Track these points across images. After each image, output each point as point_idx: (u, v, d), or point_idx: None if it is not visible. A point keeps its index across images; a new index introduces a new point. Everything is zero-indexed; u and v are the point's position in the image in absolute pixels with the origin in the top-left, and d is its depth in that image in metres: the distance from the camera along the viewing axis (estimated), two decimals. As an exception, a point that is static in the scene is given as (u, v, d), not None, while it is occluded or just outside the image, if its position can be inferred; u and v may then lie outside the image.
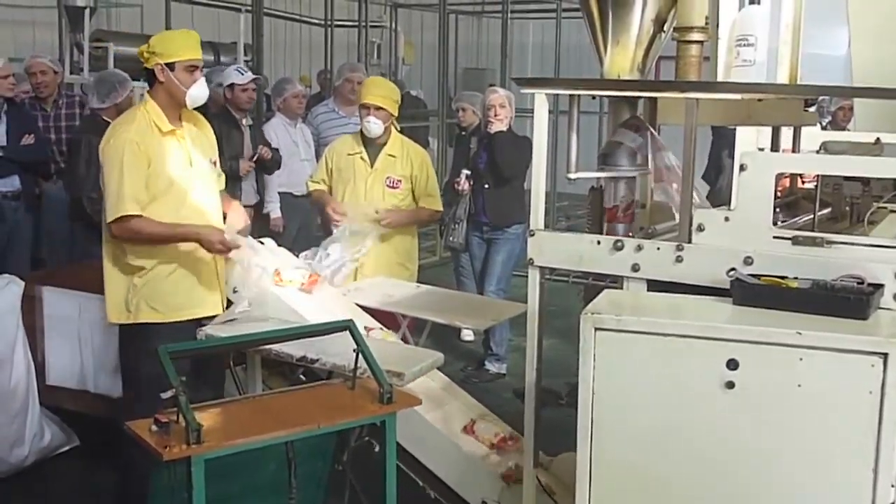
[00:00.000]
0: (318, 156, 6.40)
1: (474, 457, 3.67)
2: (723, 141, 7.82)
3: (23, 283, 4.44)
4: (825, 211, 3.01)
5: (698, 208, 2.70)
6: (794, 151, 3.42)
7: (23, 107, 6.52)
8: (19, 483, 4.38)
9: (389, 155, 5.10)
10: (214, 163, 4.08)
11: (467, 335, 6.91)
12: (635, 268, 2.70)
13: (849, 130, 6.30)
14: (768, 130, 3.46)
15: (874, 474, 2.21)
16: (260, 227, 6.20)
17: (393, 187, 5.09)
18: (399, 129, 5.31)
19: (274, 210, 6.56)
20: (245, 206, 6.19)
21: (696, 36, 2.84)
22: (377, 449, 3.30)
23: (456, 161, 6.65)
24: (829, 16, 5.05)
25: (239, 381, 3.78)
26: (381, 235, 4.98)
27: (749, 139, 3.66)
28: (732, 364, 2.28)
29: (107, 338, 4.28)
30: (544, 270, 2.90)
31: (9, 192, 6.13)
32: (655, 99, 3.03)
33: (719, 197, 5.64)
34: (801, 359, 2.23)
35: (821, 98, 6.41)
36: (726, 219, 2.61)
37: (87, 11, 9.40)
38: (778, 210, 3.00)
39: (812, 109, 3.55)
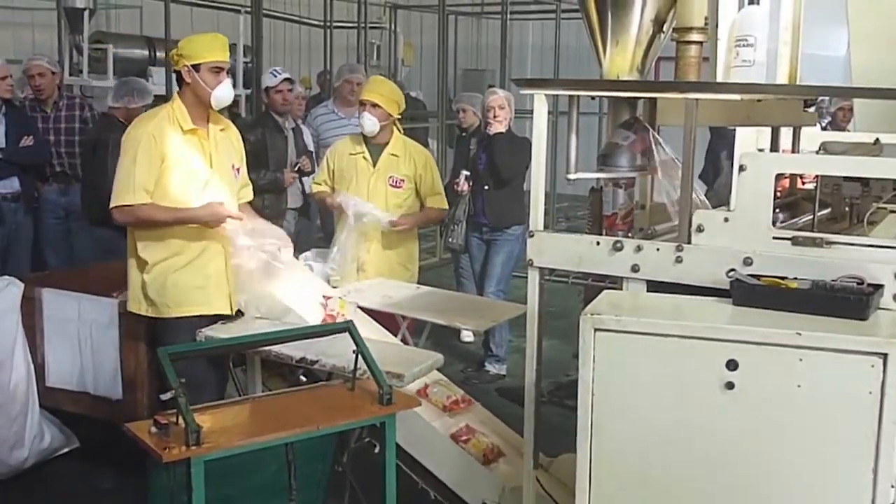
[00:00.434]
0: (317, 157, 6.40)
1: (474, 458, 3.66)
2: (721, 141, 7.82)
3: (22, 285, 4.43)
4: (825, 211, 3.01)
5: (698, 209, 2.70)
6: (793, 152, 3.42)
7: (22, 108, 6.52)
8: (19, 485, 4.38)
9: (392, 154, 5.09)
10: (237, 169, 4.13)
11: (467, 336, 6.91)
12: (635, 268, 2.70)
13: (848, 131, 6.30)
14: (768, 131, 3.46)
15: (874, 475, 2.21)
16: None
17: (396, 187, 5.09)
18: (402, 130, 5.31)
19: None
20: (290, 209, 6.28)
21: (695, 36, 2.84)
22: (377, 450, 3.30)
23: (456, 162, 6.64)
24: (829, 16, 5.05)
25: (239, 382, 3.78)
26: (382, 238, 4.99)
27: (749, 140, 3.65)
28: (732, 364, 2.28)
29: (106, 339, 4.28)
30: (544, 271, 2.90)
31: (8, 194, 6.13)
32: (655, 99, 3.03)
33: (717, 197, 5.64)
34: (800, 359, 2.23)
35: (820, 99, 6.42)
36: (726, 219, 2.60)
37: (86, 13, 9.40)
38: (777, 210, 3.00)
39: (811, 110, 3.55)
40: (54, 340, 4.45)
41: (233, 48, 9.61)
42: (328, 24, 11.45)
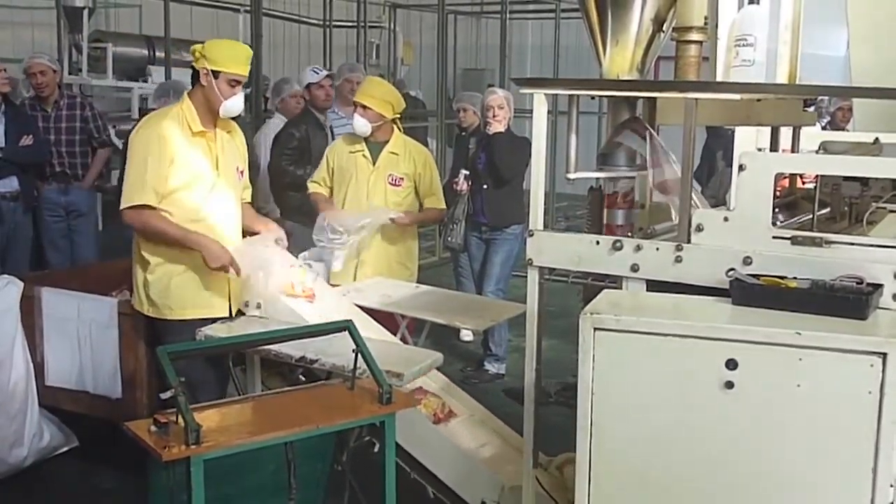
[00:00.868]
0: (316, 155, 6.40)
1: (474, 457, 3.67)
2: (717, 140, 7.83)
3: (22, 284, 4.44)
4: (824, 211, 3.01)
5: (697, 208, 2.70)
6: (793, 151, 3.42)
7: (21, 107, 6.52)
8: (18, 483, 4.38)
9: (392, 153, 5.10)
10: (241, 171, 4.14)
11: (466, 335, 6.91)
12: (634, 268, 2.70)
13: (848, 131, 6.31)
14: (767, 130, 3.46)
15: (873, 474, 2.21)
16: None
17: (395, 185, 5.10)
18: (402, 129, 5.31)
19: (273, 210, 6.55)
20: None
21: (695, 36, 2.84)
22: (376, 449, 3.30)
23: (455, 161, 6.64)
24: (829, 16, 5.06)
25: (238, 381, 3.78)
26: (382, 235, 4.99)
27: (748, 139, 3.66)
28: (732, 364, 2.28)
29: (106, 339, 4.28)
30: (543, 271, 2.90)
31: (7, 193, 6.13)
32: (654, 99, 3.03)
33: (713, 196, 5.65)
34: (800, 359, 2.23)
35: (819, 98, 6.43)
36: (725, 219, 2.60)
37: (85, 12, 9.41)
38: (777, 210, 3.00)
39: (811, 110, 3.55)
40: (54, 339, 4.45)
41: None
42: (327, 23, 11.47)
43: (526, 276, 2.95)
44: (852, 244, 2.51)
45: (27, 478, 4.44)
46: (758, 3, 2.71)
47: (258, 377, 3.80)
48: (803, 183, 3.52)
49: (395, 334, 4.42)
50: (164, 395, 2.75)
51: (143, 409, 4.09)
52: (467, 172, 6.15)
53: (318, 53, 11.70)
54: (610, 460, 2.42)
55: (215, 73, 3.87)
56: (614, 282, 2.78)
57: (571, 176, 2.95)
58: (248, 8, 9.31)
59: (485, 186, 6.16)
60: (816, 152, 3.28)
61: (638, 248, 2.70)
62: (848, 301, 2.34)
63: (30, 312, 4.42)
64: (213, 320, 3.91)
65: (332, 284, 4.62)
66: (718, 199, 2.79)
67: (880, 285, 2.40)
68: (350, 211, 4.98)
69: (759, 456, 2.31)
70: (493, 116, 6.03)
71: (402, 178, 5.10)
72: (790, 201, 3.28)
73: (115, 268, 4.63)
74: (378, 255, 5.02)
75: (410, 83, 12.17)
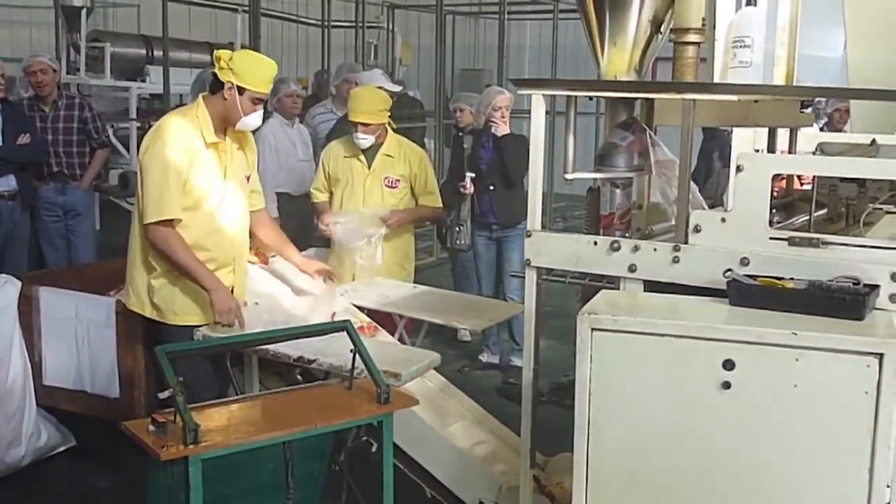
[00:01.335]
0: (316, 156, 6.41)
1: (471, 457, 3.67)
2: (714, 141, 7.84)
3: (20, 283, 4.44)
4: (821, 212, 3.02)
5: (695, 209, 2.70)
6: (790, 153, 3.42)
7: (19, 106, 6.52)
8: (16, 483, 4.38)
9: (386, 155, 5.11)
10: (248, 177, 4.12)
11: (464, 335, 6.92)
12: (632, 268, 2.71)
13: (845, 132, 6.31)
14: (765, 131, 3.47)
15: (870, 474, 2.22)
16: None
17: (391, 187, 5.12)
18: (395, 129, 5.32)
19: (271, 210, 6.55)
20: None
21: (692, 37, 2.85)
22: (374, 449, 3.30)
23: (453, 161, 6.65)
24: (826, 17, 5.06)
25: (236, 381, 3.78)
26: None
27: (746, 140, 3.65)
28: (729, 364, 2.28)
29: (104, 338, 4.28)
30: (541, 271, 2.91)
31: (5, 192, 6.13)
32: (652, 100, 3.03)
33: (711, 197, 5.65)
34: (797, 359, 2.24)
35: (817, 99, 6.43)
36: (723, 220, 2.61)
37: (83, 11, 9.40)
38: (774, 211, 3.01)
39: (808, 111, 3.55)
40: (51, 339, 4.45)
41: (230, 48, 9.66)
42: (326, 23, 11.46)
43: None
44: (849, 245, 2.52)
45: (25, 477, 4.44)
46: (755, 4, 2.71)
47: (256, 377, 3.81)
48: (801, 184, 3.53)
49: (392, 334, 4.43)
50: (163, 395, 2.75)
51: (141, 409, 4.09)
52: (473, 175, 6.13)
53: (317, 54, 11.70)
54: (607, 460, 2.43)
55: (240, 90, 3.82)
56: (612, 282, 2.79)
57: (569, 176, 2.95)
58: (246, 8, 9.30)
59: (491, 187, 6.14)
60: (814, 153, 3.29)
61: (635, 248, 2.71)
62: (845, 302, 2.34)
63: (27, 312, 4.42)
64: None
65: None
66: (716, 200, 2.79)
67: (877, 286, 2.40)
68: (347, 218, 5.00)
69: (755, 456, 2.31)
70: (501, 117, 6.03)
71: (398, 180, 5.12)
72: (787, 202, 3.29)
73: (113, 267, 4.63)
74: (360, 256, 5.04)
75: (408, 83, 12.18)
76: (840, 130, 7.01)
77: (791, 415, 2.27)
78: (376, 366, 3.10)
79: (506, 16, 11.50)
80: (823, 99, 7.29)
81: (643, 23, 2.94)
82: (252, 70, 3.85)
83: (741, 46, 2.66)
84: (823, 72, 6.15)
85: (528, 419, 3.00)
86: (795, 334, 2.24)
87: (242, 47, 9.25)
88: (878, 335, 2.24)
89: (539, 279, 2.92)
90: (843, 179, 2.99)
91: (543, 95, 2.83)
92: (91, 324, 4.33)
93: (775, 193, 3.25)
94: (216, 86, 3.88)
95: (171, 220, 3.78)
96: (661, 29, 3.01)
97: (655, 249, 2.68)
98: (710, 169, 8.03)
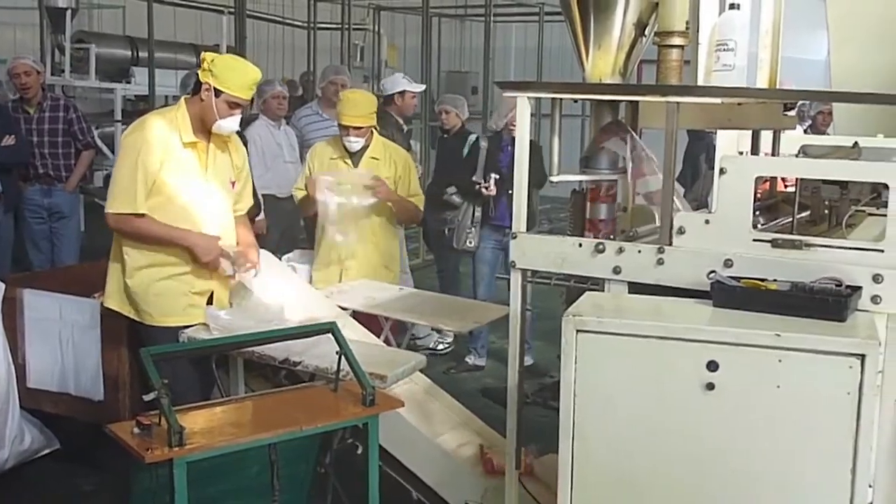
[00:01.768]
0: (302, 158, 6.41)
1: (457, 459, 3.68)
2: (699, 144, 7.88)
3: (3, 285, 4.41)
4: (804, 214, 3.04)
5: (679, 211, 2.72)
6: (773, 155, 3.44)
7: (3, 108, 6.49)
8: (-1, 486, 4.37)
9: (372, 158, 5.12)
10: (233, 182, 4.11)
11: (440, 344, 6.88)
12: (616, 270, 2.72)
13: (829, 134, 6.36)
14: (749, 134, 3.49)
15: (852, 474, 2.23)
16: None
17: (377, 189, 5.12)
18: (380, 130, 5.33)
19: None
20: None
21: (676, 40, 2.87)
22: (360, 451, 3.30)
23: (439, 163, 6.66)
24: (810, 21, 5.10)
25: (221, 383, 3.78)
26: (365, 236, 5.00)
27: (730, 143, 3.67)
28: (713, 365, 2.30)
29: (88, 340, 4.27)
30: (526, 273, 2.92)
31: (-12, 194, 6.12)
32: (637, 102, 3.05)
33: (696, 199, 5.67)
34: (780, 360, 2.25)
35: (801, 102, 6.47)
36: (707, 221, 2.62)
37: (68, 13, 9.37)
38: (758, 213, 3.03)
39: (792, 113, 3.57)
40: (35, 341, 4.43)
41: (216, 50, 9.65)
42: (312, 25, 11.46)
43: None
44: (831, 247, 2.54)
45: (8, 480, 4.42)
46: (738, 8, 2.73)
47: (241, 379, 3.80)
48: (785, 186, 3.55)
49: (378, 336, 4.43)
50: (147, 397, 2.75)
51: (126, 411, 4.07)
52: (497, 176, 6.11)
53: (303, 55, 11.71)
54: (592, 461, 2.44)
55: (217, 91, 3.82)
56: (597, 284, 2.80)
57: (554, 179, 2.97)
58: (232, 9, 9.30)
59: (510, 191, 6.11)
60: (796, 156, 3.30)
61: (620, 250, 2.72)
62: (827, 303, 2.36)
63: (11, 314, 4.40)
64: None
65: (315, 287, 4.62)
66: (702, 203, 2.81)
67: (859, 287, 2.42)
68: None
69: (739, 456, 2.33)
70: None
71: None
72: (771, 204, 3.31)
73: (98, 269, 4.60)
74: (362, 258, 5.04)
75: (394, 85, 12.18)
76: (823, 133, 7.07)
77: (774, 415, 2.28)
78: (361, 368, 3.10)
79: (491, 18, 11.51)
80: (807, 101, 7.34)
81: (627, 26, 2.95)
82: (231, 74, 3.85)
83: (724, 50, 2.67)
84: (807, 75, 6.19)
85: (513, 420, 3.01)
86: (778, 335, 2.26)
87: (228, 49, 9.25)
88: (859, 336, 2.26)
89: (524, 281, 2.93)
90: (825, 182, 3.01)
91: (528, 98, 2.84)
92: (75, 326, 4.31)
93: (759, 195, 3.27)
94: (197, 86, 3.89)
95: (133, 213, 3.80)
96: (646, 32, 3.03)
97: (640, 251, 2.70)
98: (696, 171, 8.08)
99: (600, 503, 2.47)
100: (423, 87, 6.58)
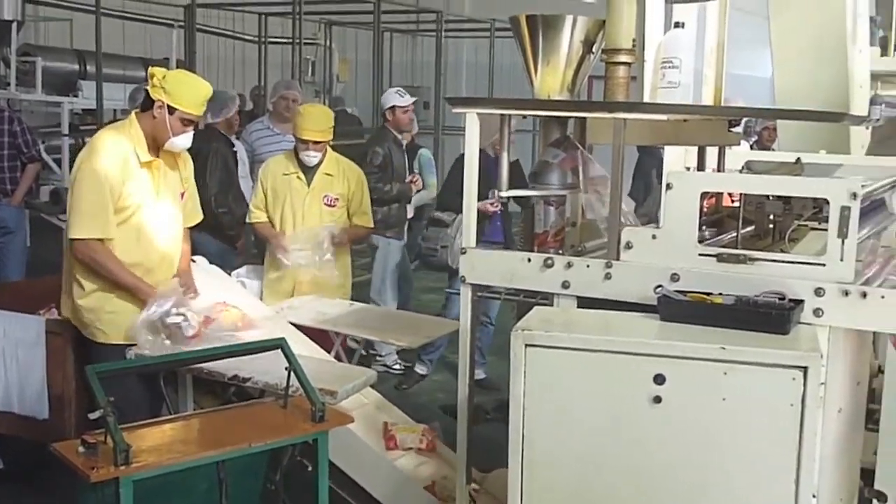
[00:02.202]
0: (252, 173, 6.37)
1: (406, 473, 3.67)
2: (650, 159, 7.97)
3: (-55, 302, 4.33)
4: (749, 229, 3.09)
5: (627, 226, 2.75)
6: (719, 171, 3.50)
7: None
8: (-60, 508, 4.27)
9: (326, 174, 5.12)
10: (182, 194, 4.08)
11: (390, 360, 6.85)
12: (565, 285, 2.74)
13: (774, 150, 6.46)
14: (695, 150, 3.54)
15: (796, 485, 2.26)
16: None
17: (330, 206, 5.13)
18: (332, 146, 5.32)
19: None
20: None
21: (623, 58, 2.90)
22: (310, 468, 3.28)
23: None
24: (756, 38, 5.19)
25: (169, 400, 3.73)
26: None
27: (677, 158, 3.73)
28: (660, 379, 2.32)
29: (33, 358, 4.19)
30: (476, 288, 2.93)
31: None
32: (585, 118, 3.08)
33: (648, 214, 5.73)
34: (725, 373, 2.28)
35: (747, 118, 6.58)
36: (653, 236, 2.65)
37: (14, 25, 9.23)
38: (704, 228, 3.07)
39: (738, 129, 3.64)
40: (-22, 359, 4.34)
41: (165, 63, 9.58)
42: (262, 39, 11.43)
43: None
44: (775, 261, 2.58)
45: (-50, 502, 4.33)
46: (683, 26, 2.77)
47: (190, 396, 3.76)
48: (732, 201, 3.61)
49: (329, 352, 4.42)
50: (93, 415, 2.71)
51: (72, 430, 4.00)
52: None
53: (253, 70, 11.66)
54: (541, 475, 2.44)
55: (171, 109, 3.79)
56: (546, 298, 2.81)
57: (504, 194, 2.99)
58: (181, 23, 9.25)
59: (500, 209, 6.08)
60: (740, 172, 3.36)
61: (569, 265, 2.74)
62: (770, 317, 2.40)
63: (-46, 332, 4.31)
64: None
65: (265, 302, 4.60)
66: (653, 217, 2.85)
67: (801, 301, 2.46)
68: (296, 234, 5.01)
69: (686, 468, 2.35)
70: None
71: (336, 199, 5.13)
72: (717, 219, 3.36)
73: (43, 286, 4.54)
74: (306, 268, 5.03)
75: (346, 100, 12.17)
76: (769, 149, 7.18)
77: (720, 427, 2.31)
78: (311, 384, 3.09)
79: (443, 34, 11.58)
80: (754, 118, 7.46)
81: (575, 43, 2.98)
82: (184, 90, 3.83)
83: (670, 67, 2.71)
84: (753, 91, 6.30)
85: (463, 435, 3.01)
86: (724, 349, 2.29)
87: (178, 63, 9.17)
88: (802, 349, 2.30)
89: (474, 296, 2.94)
90: (769, 197, 3.06)
91: (478, 114, 2.86)
92: (20, 343, 4.23)
93: (706, 210, 3.32)
94: (147, 103, 3.85)
95: (101, 239, 3.75)
96: (593, 49, 3.06)
97: (588, 266, 2.72)
98: (648, 186, 8.16)
99: (550, 516, 2.48)
100: (413, 99, 6.57)
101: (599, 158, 3.05)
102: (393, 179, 6.28)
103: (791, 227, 3.01)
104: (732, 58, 3.61)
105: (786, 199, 3.00)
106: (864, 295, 2.44)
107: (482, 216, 5.79)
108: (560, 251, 2.94)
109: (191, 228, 4.21)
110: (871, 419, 3.56)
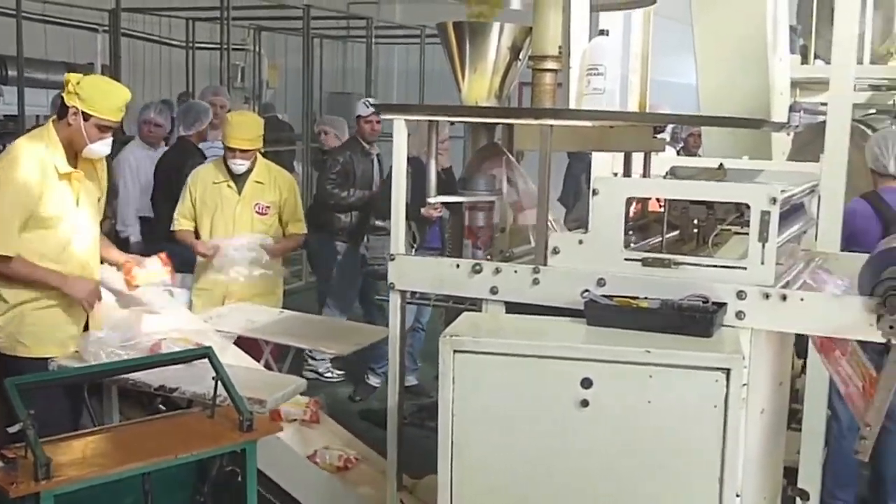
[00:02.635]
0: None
1: (338, 481, 3.65)
2: (579, 165, 8.06)
3: None
4: (674, 233, 3.13)
5: (554, 231, 2.77)
6: (644, 176, 3.55)
7: None
8: None
9: (257, 182, 5.08)
10: (99, 199, 4.00)
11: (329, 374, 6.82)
12: (494, 290, 2.75)
13: (700, 156, 6.59)
14: (622, 155, 3.58)
15: (720, 484, 2.30)
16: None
17: (262, 214, 5.09)
18: (263, 152, 5.28)
19: (134, 234, 6.40)
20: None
21: (549, 64, 2.93)
22: (240, 478, 3.24)
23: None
24: (682, 46, 5.29)
25: (93, 412, 3.66)
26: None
27: (604, 164, 3.78)
28: (587, 383, 2.34)
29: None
30: (405, 294, 2.92)
31: None
32: (513, 125, 3.10)
33: (578, 220, 5.78)
34: (650, 376, 2.31)
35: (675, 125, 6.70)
36: (580, 241, 2.68)
37: (-70, 29, 8.96)
38: (631, 233, 3.11)
39: (663, 135, 3.69)
40: None
41: (90, 68, 9.39)
42: (190, 44, 11.27)
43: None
44: (699, 265, 2.62)
45: None
46: (607, 34, 2.80)
47: (116, 407, 3.70)
48: (660, 206, 3.66)
49: (259, 360, 4.37)
50: (13, 429, 2.64)
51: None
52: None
53: (181, 76, 11.49)
54: (470, 480, 2.45)
55: (86, 115, 3.69)
56: (475, 304, 2.82)
57: (432, 200, 2.99)
58: (106, 28, 9.07)
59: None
60: (664, 177, 3.41)
61: (497, 270, 2.75)
62: (694, 319, 2.43)
63: None
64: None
65: (193, 312, 4.53)
66: (583, 222, 2.87)
67: (724, 304, 2.51)
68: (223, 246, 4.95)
69: (613, 471, 2.37)
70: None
71: (268, 207, 5.09)
72: (643, 224, 3.40)
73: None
74: (243, 283, 4.97)
75: (277, 106, 12.06)
76: (695, 154, 7.32)
77: (646, 430, 2.34)
78: (238, 392, 3.05)
79: (373, 40, 11.55)
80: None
81: (502, 50, 3.01)
82: (99, 96, 3.73)
83: (595, 74, 2.74)
84: (679, 97, 6.41)
85: (393, 442, 3.00)
86: (649, 352, 2.32)
87: (103, 68, 9.01)
88: (725, 351, 2.34)
89: (403, 302, 2.94)
90: (693, 202, 3.11)
91: (406, 121, 2.86)
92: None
93: (633, 215, 3.36)
94: (63, 110, 3.75)
95: (7, 256, 3.65)
96: (521, 56, 3.09)
97: (516, 271, 2.73)
98: (578, 191, 8.24)
99: (481, 522, 2.49)
100: (370, 110, 6.56)
101: (531, 164, 3.07)
102: (354, 186, 6.27)
103: (714, 231, 3.06)
104: (659, 64, 3.67)
105: (709, 204, 3.05)
106: (784, 297, 2.49)
107: (425, 222, 5.85)
108: (489, 256, 2.95)
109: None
110: (795, 419, 3.65)
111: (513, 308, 2.75)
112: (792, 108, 4.99)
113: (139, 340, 3.70)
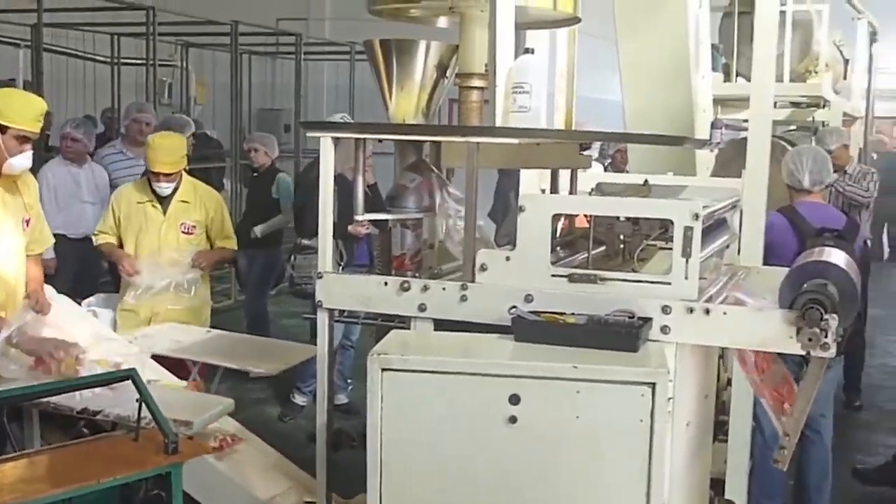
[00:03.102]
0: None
1: (267, 503, 3.60)
2: (509, 181, 8.11)
3: None
4: (600, 249, 3.17)
5: (481, 248, 2.78)
6: (571, 193, 3.58)
7: None
8: None
9: (182, 201, 5.01)
10: (27, 221, 3.90)
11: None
12: (422, 308, 2.74)
13: (627, 172, 6.69)
14: (549, 172, 3.61)
15: (647, 498, 2.32)
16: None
17: (188, 233, 5.03)
18: (189, 170, 5.22)
19: (47, 252, 6.24)
20: None
21: (476, 82, 2.95)
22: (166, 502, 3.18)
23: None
24: (608, 63, 5.37)
25: (13, 437, 3.56)
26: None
27: (532, 181, 3.81)
28: (514, 399, 2.34)
29: None
30: (333, 312, 2.91)
31: None
32: (440, 142, 3.11)
33: (507, 236, 5.81)
34: (577, 391, 2.32)
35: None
36: (507, 258, 2.69)
37: None
38: (558, 249, 3.13)
39: (590, 152, 3.73)
40: None
41: (12, 83, 9.20)
42: (115, 60, 11.11)
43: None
44: (624, 280, 2.65)
45: None
46: (533, 52, 2.83)
47: (37, 432, 3.60)
48: (588, 222, 3.70)
49: (186, 380, 4.30)
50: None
51: None
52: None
53: (106, 91, 11.32)
54: (399, 498, 2.43)
55: (3, 128, 3.63)
56: (404, 321, 2.81)
57: (360, 217, 2.98)
58: (28, 42, 8.89)
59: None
60: (591, 193, 3.45)
61: (425, 288, 2.75)
62: (620, 335, 2.46)
63: None
64: None
65: (118, 332, 4.44)
66: (512, 238, 2.89)
67: (649, 319, 2.54)
68: (150, 262, 4.87)
69: (542, 486, 2.38)
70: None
71: (194, 226, 5.03)
72: (570, 240, 3.43)
73: None
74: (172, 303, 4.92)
75: (204, 123, 11.94)
76: (622, 170, 7.42)
77: (573, 445, 2.35)
78: (163, 414, 3.00)
79: (302, 56, 11.50)
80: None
81: (429, 68, 3.01)
82: (15, 107, 3.68)
83: (520, 92, 2.76)
84: (606, 114, 6.50)
85: (322, 462, 2.97)
86: (576, 367, 2.33)
87: (25, 84, 8.83)
88: (650, 366, 2.36)
89: (331, 320, 2.92)
90: (619, 218, 3.15)
91: (332, 139, 2.85)
92: None
93: (561, 231, 3.39)
94: None
95: None
96: (447, 74, 3.10)
97: (444, 289, 2.73)
98: (507, 207, 8.28)
99: (410, 541, 2.47)
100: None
101: (461, 181, 3.07)
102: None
103: (640, 246, 3.09)
104: (586, 82, 3.71)
105: (634, 220, 3.09)
106: (708, 311, 2.53)
107: (352, 239, 5.78)
108: (417, 274, 2.95)
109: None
110: (722, 430, 3.71)
111: (441, 325, 2.75)
112: (714, 125, 5.09)
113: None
